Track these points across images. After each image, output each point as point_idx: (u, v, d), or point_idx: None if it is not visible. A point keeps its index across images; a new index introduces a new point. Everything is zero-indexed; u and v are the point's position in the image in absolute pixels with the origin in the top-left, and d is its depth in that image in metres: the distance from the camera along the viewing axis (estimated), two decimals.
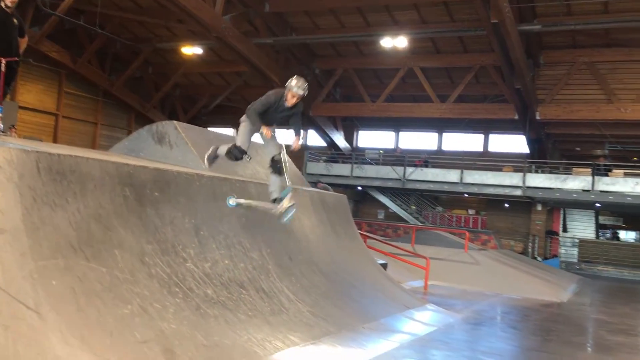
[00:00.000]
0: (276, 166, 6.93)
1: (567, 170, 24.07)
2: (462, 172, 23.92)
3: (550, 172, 23.84)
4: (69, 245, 4.98)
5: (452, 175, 24.08)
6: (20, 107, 24.14)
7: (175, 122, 8.86)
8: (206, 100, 30.91)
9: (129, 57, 27.49)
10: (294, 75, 6.84)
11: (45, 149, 5.38)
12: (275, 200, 7.04)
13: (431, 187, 24.74)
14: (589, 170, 22.69)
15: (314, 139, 30.67)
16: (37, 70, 24.93)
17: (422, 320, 8.68)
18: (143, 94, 29.38)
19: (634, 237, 28.87)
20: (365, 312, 8.03)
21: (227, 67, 28.34)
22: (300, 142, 7.01)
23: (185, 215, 6.60)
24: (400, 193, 27.82)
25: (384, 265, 11.75)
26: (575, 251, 26.53)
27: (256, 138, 7.17)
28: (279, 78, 23.29)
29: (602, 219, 28.96)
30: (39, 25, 23.41)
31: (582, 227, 28.13)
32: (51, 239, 4.85)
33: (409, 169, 24.83)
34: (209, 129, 32.38)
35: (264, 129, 6.84)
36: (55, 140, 25.50)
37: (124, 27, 26.09)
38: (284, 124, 7.02)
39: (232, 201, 6.97)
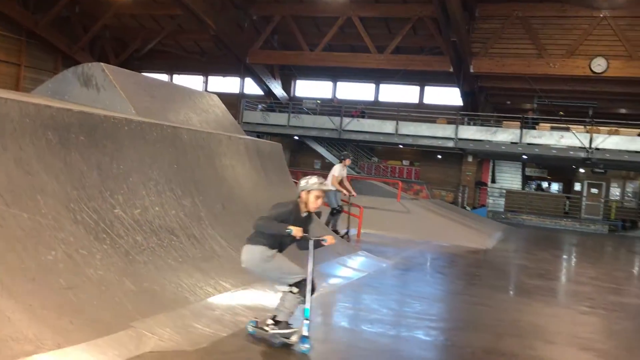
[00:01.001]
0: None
1: (497, 123, 24.85)
2: (397, 124, 24.25)
3: (482, 125, 24.53)
4: None
5: (388, 127, 24.39)
6: None
7: (103, 64, 8.47)
8: (138, 44, 29.72)
9: None
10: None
11: None
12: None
13: (367, 137, 25.01)
14: (518, 123, 23.50)
15: (250, 87, 30.21)
16: None
17: (354, 267, 8.89)
18: (70, 35, 27.91)
19: (557, 189, 30.39)
20: (297, 258, 8.13)
21: (160, 10, 27.28)
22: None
23: (113, 160, 6.39)
24: (337, 143, 27.99)
25: (318, 214, 11.86)
26: (502, 201, 27.67)
27: None
28: (214, 23, 22.62)
29: (528, 171, 30.29)
30: None
31: (510, 179, 29.30)
32: None
33: (346, 120, 24.93)
34: (143, 74, 31.37)
35: (293, 229, 4.77)
36: None
37: None
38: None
39: (251, 328, 5.05)
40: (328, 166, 28.34)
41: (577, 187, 28.97)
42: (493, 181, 28.95)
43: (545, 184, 30.91)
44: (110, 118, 6.67)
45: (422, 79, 27.97)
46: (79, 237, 5.31)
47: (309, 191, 4.97)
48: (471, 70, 23.30)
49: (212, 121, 10.11)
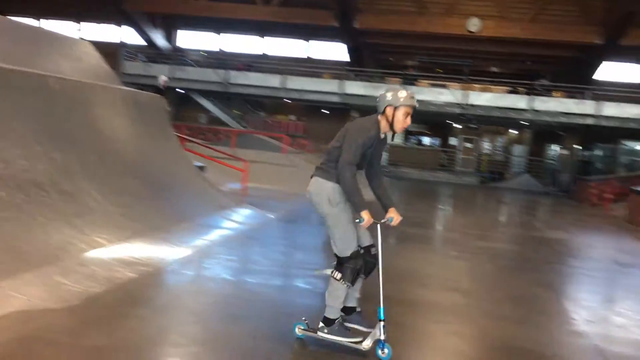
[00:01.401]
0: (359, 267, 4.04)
1: (381, 80, 25.48)
2: (284, 78, 24.14)
3: (368, 81, 25.05)
4: None
5: (274, 81, 24.23)
6: None
7: None
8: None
9: None
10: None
11: None
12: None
13: (253, 91, 24.75)
14: (400, 80, 24.25)
15: (130, 36, 28.64)
16: None
17: (238, 220, 8.87)
18: None
19: (435, 143, 31.91)
20: (179, 212, 7.98)
21: None
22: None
23: None
24: (223, 97, 27.46)
25: (202, 168, 11.67)
26: (386, 155, 28.63)
27: None
28: None
29: (410, 127, 31.41)
30: None
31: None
32: None
33: (232, 73, 24.44)
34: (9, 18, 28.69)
35: (366, 216, 3.89)
36: None
37: None
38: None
39: (299, 331, 4.13)
40: (215, 121, 27.82)
41: (454, 141, 30.60)
42: None
43: (426, 139, 32.35)
44: None
45: (308, 33, 27.90)
46: None
47: (396, 107, 3.92)
48: (356, 26, 23.56)
49: (86, 70, 9.49)
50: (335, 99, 24.23)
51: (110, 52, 26.32)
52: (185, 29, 29.54)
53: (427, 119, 29.57)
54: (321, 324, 4.01)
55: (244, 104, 28.90)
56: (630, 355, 4.58)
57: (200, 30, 29.35)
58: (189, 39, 29.78)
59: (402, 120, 3.97)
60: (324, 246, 8.12)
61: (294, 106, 28.96)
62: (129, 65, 25.03)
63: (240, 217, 9.23)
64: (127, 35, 28.95)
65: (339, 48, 26.91)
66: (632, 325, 5.43)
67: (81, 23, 30.11)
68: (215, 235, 7.53)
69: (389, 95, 3.98)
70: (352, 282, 3.99)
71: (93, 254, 5.54)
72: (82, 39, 10.81)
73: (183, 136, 14.71)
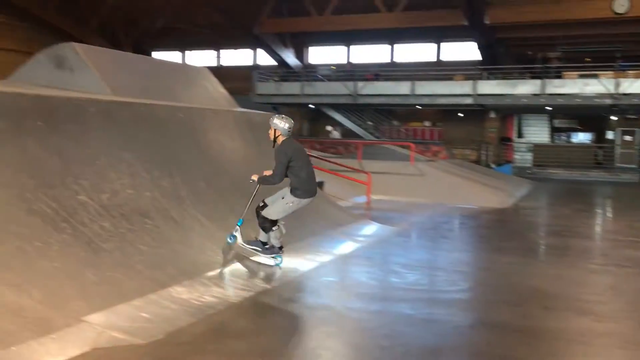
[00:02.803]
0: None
1: (521, 76, 23.83)
2: (413, 84, 23.50)
3: (504, 79, 23.59)
4: None
5: (403, 88, 23.68)
6: None
7: (74, 43, 8.16)
8: (148, 23, 29.41)
9: None
10: None
11: None
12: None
13: (383, 100, 24.38)
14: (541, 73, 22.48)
15: (264, 58, 29.70)
16: None
17: (352, 237, 8.51)
18: (79, 18, 27.76)
19: (588, 139, 29.15)
20: (291, 232, 7.78)
21: None
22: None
23: (77, 144, 6.10)
24: (354, 109, 27.40)
25: (321, 184, 11.48)
26: (529, 156, 26.77)
27: None
28: None
29: (557, 123, 29.10)
30: None
31: (537, 132, 28.28)
32: None
33: (360, 84, 24.28)
34: (155, 53, 31.14)
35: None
36: None
37: None
38: None
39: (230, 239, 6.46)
40: (348, 133, 27.86)
41: (610, 135, 27.74)
42: (520, 136, 28.00)
43: (578, 135, 29.67)
44: (73, 100, 6.36)
45: (438, 35, 26.99)
46: (35, 228, 5.04)
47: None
48: (487, 22, 22.29)
49: (201, 95, 9.74)
50: (468, 100, 23.10)
51: (246, 74, 27.59)
52: (315, 45, 30.00)
53: (577, 113, 27.13)
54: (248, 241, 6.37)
55: (376, 114, 28.62)
56: None
57: (329, 45, 29.64)
58: (319, 55, 30.21)
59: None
60: (440, 263, 7.48)
61: (428, 112, 28.10)
62: (261, 85, 25.87)
63: (356, 233, 8.85)
64: (260, 57, 30.06)
65: (470, 47, 25.67)
66: None
67: (220, 51, 31.82)
68: (323, 255, 7.22)
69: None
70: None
71: (190, 283, 5.46)
72: (202, 66, 11.11)
73: (308, 153, 14.70)
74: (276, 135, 6.52)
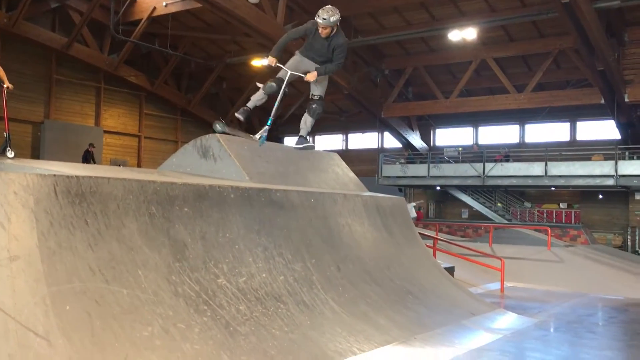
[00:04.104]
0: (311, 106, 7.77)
1: None
2: (546, 164, 22.57)
3: None
4: (87, 267, 4.93)
5: (536, 169, 22.80)
6: (105, 132, 25.39)
7: (218, 134, 8.80)
8: (281, 111, 31.17)
9: (203, 74, 28.24)
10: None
11: (63, 171, 5.40)
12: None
13: (514, 182, 23.56)
14: None
15: (389, 140, 30.16)
16: (118, 94, 26.16)
17: (487, 328, 8.06)
18: (219, 109, 30.11)
19: None
20: (421, 321, 7.55)
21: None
22: (316, 76, 7.52)
23: (218, 229, 6.44)
24: (483, 190, 26.70)
25: (450, 269, 11.13)
26: None
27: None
28: (348, 82, 23.10)
29: None
30: (116, 52, 24.51)
31: None
32: (68, 263, 4.81)
33: (488, 165, 23.74)
34: (286, 139, 32.78)
35: (309, 75, 7.42)
36: (139, 161, 26.61)
37: (195, 45, 26.84)
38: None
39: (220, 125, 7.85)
40: (476, 215, 27.06)
41: None
42: None
43: None
44: (216, 187, 6.78)
45: (571, 114, 25.97)
46: (179, 310, 5.30)
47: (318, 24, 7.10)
48: (626, 100, 21.14)
49: (331, 180, 10.01)
50: (609, 181, 21.67)
51: (372, 157, 28.11)
52: (441, 127, 30.03)
53: None
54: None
55: (506, 196, 27.64)
56: None
57: (455, 127, 29.53)
58: (445, 136, 30.13)
59: (321, 31, 7.03)
60: None
61: (564, 193, 26.65)
62: (387, 168, 26.12)
63: (491, 324, 8.38)
64: (387, 140, 30.56)
65: (608, 126, 24.34)
66: None
67: (347, 134, 32.80)
68: (455, 348, 6.87)
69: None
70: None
71: None
72: (332, 151, 11.49)
73: (434, 236, 14.44)
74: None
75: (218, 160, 8.54)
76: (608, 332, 8.86)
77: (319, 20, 6.82)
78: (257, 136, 7.61)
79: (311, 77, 7.46)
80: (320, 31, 6.97)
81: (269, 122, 7.22)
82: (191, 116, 29.22)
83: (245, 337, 5.53)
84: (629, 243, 23.52)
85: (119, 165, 21.06)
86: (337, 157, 10.86)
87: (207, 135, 8.94)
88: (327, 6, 6.89)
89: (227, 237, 6.49)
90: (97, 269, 4.98)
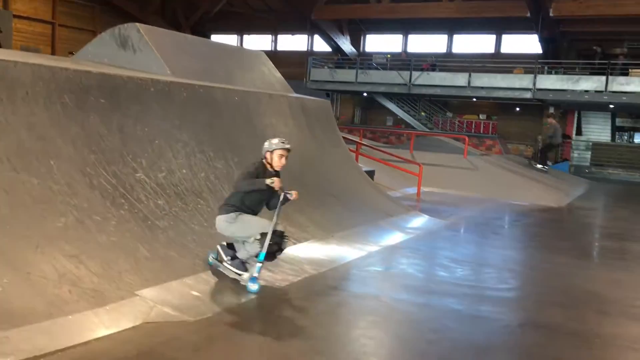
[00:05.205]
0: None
1: (583, 71, 23.00)
2: (470, 76, 23.01)
3: (565, 73, 22.83)
4: None
5: (460, 79, 23.19)
6: (15, 16, 23.47)
7: (138, 24, 8.33)
8: (207, 6, 29.72)
9: None
10: None
11: None
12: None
13: (438, 91, 23.95)
14: (606, 70, 21.64)
15: (319, 44, 29.65)
16: None
17: (402, 228, 8.45)
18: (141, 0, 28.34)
19: None
20: (340, 221, 7.80)
21: None
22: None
23: (137, 123, 6.25)
24: (408, 99, 27.06)
25: (371, 173, 11.43)
26: (588, 155, 25.90)
27: None
28: None
29: (620, 122, 27.99)
30: None
31: (598, 130, 27.26)
32: None
33: (415, 74, 23.94)
34: (213, 36, 31.52)
35: (275, 181, 5.00)
36: (53, 50, 25.00)
37: None
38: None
39: (211, 259, 5.37)
40: (401, 123, 27.56)
41: None
42: (579, 133, 27.07)
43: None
44: (135, 79, 6.50)
45: (498, 27, 26.26)
46: (94, 202, 5.21)
47: (272, 151, 5.23)
48: (551, 14, 21.55)
49: (257, 79, 9.81)
50: (527, 95, 22.42)
51: (301, 60, 27.61)
52: (372, 33, 29.72)
53: None
54: (229, 258, 5.17)
55: (430, 105, 28.20)
56: None
57: (386, 33, 29.31)
58: (375, 43, 29.92)
59: (277, 160, 5.24)
60: (490, 259, 7.34)
61: (484, 105, 27.46)
62: (316, 72, 25.84)
63: (405, 224, 8.79)
64: (316, 43, 30.02)
65: (531, 40, 24.89)
66: None
67: (276, 35, 31.93)
68: (371, 245, 7.19)
69: (266, 144, 5.27)
70: (268, 257, 5.03)
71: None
72: (260, 50, 11.17)
73: (358, 141, 14.67)
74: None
75: (138, 51, 8.13)
76: (511, 234, 9.52)
77: (282, 145, 5.28)
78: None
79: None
80: (275, 163, 5.30)
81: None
82: (110, 5, 27.37)
83: (163, 230, 5.54)
84: (539, 154, 24.81)
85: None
86: (263, 56, 10.59)
87: (125, 25, 8.43)
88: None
89: (146, 132, 6.31)
90: (5, 157, 4.76)
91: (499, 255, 7.60)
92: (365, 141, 16.70)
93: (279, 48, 31.53)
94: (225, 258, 5.23)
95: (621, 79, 21.11)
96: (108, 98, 6.04)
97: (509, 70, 23.50)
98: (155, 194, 5.89)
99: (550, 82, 22.10)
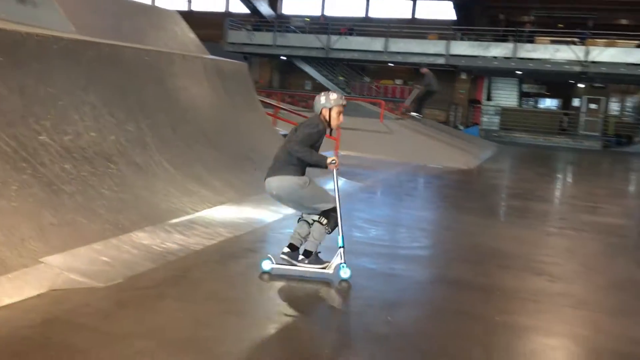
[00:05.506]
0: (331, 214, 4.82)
1: (493, 38, 23.82)
2: (387, 41, 23.30)
3: (476, 40, 23.57)
4: None
5: (377, 44, 23.45)
6: None
7: None
8: None
9: None
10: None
11: None
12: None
13: (355, 56, 24.13)
14: (513, 37, 22.54)
15: (236, 5, 28.97)
16: None
17: None
18: None
19: (555, 105, 29.53)
20: (256, 184, 7.74)
21: None
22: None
23: (39, 83, 5.89)
24: (327, 63, 27.11)
25: None
26: (497, 119, 27.09)
27: None
28: None
29: (526, 88, 29.39)
30: None
31: (506, 96, 28.52)
32: None
33: (333, 38, 23.95)
34: None
35: (332, 159, 4.69)
36: None
37: None
38: None
39: (266, 265, 4.76)
40: (320, 87, 27.58)
41: (576, 102, 28.17)
42: (489, 99, 28.21)
43: (545, 101, 29.98)
44: (34, 35, 6.10)
45: None
46: None
47: (331, 108, 4.77)
48: None
49: (169, 39, 9.48)
50: (440, 60, 23.04)
51: (217, 22, 26.90)
52: None
53: (546, 79, 27.41)
54: (301, 257, 4.76)
55: (348, 70, 28.38)
56: None
57: None
58: (293, 5, 29.59)
59: (336, 117, 4.77)
60: (403, 220, 7.59)
61: (400, 70, 27.98)
62: (233, 34, 25.31)
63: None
64: (233, 4, 29.32)
65: (446, 7, 25.47)
66: None
67: None
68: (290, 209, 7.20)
69: (323, 99, 4.80)
70: (332, 229, 4.79)
71: (152, 229, 5.42)
72: (173, 10, 10.76)
73: (276, 104, 14.59)
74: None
75: (38, 6, 7.61)
76: (424, 195, 9.86)
77: (341, 101, 4.81)
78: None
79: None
80: (334, 121, 4.82)
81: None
82: None
83: (70, 195, 5.31)
84: (452, 119, 25.69)
85: None
86: (177, 16, 10.23)
87: None
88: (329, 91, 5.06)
89: (50, 92, 5.97)
90: None
91: (412, 215, 7.86)
92: (284, 105, 16.61)
93: (194, 8, 30.57)
94: (297, 260, 4.74)
95: (528, 46, 22.07)
96: (6, 56, 5.64)
97: (424, 36, 23.98)
98: (61, 158, 5.61)
99: (462, 48, 22.79)
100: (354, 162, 12.44)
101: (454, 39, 23.23)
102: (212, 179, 7.18)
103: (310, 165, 4.76)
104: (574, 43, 21.61)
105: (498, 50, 22.25)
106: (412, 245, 6.17)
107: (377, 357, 3.35)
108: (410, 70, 27.42)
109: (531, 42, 22.44)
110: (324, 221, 4.77)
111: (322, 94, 4.91)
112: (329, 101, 4.77)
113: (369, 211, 7.84)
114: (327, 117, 4.77)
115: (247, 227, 6.05)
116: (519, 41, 22.14)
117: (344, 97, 4.93)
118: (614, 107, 28.05)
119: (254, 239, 5.74)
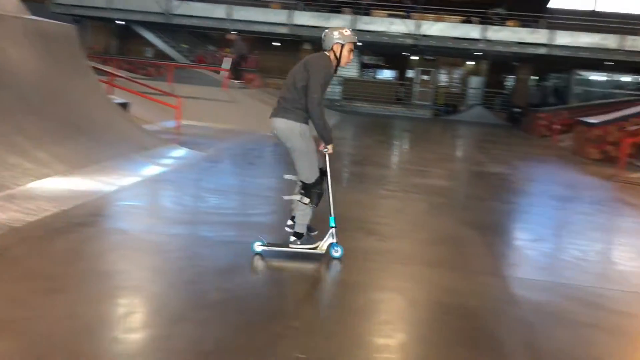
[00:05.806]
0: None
1: (333, 10, 24.41)
2: (229, 8, 22.90)
3: (318, 11, 24.01)
4: None
5: (219, 11, 22.98)
6: None
7: None
8: None
9: None
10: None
11: None
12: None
13: (197, 22, 23.47)
14: (352, 10, 23.29)
15: None
16: None
17: (157, 161, 8.24)
18: None
19: (392, 76, 31.21)
20: (88, 155, 7.31)
21: None
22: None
23: None
24: (168, 30, 26.06)
25: (125, 105, 10.88)
26: (339, 89, 27.99)
27: None
28: None
29: (366, 59, 30.66)
30: None
31: (348, 67, 29.48)
32: None
33: (175, 3, 23.05)
34: None
35: (332, 148, 4.67)
36: None
37: None
38: None
39: (257, 247, 4.60)
40: (162, 55, 26.46)
41: (410, 74, 29.97)
42: None
43: (383, 72, 31.55)
44: None
45: None
46: None
47: (343, 44, 4.43)
48: None
49: None
50: (284, 30, 23.20)
51: None
52: None
53: (384, 52, 28.80)
54: (293, 238, 4.68)
55: (191, 38, 27.54)
56: (546, 301, 4.25)
57: None
58: None
59: (347, 55, 4.46)
60: (244, 188, 7.61)
61: (246, 39, 27.69)
62: None
63: (162, 157, 8.60)
64: None
65: None
66: (558, 268, 5.15)
67: None
68: (124, 179, 6.90)
69: (336, 34, 4.44)
70: (317, 204, 4.62)
71: None
72: None
73: (112, 71, 13.78)
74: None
75: None
76: (266, 163, 9.94)
77: (355, 38, 4.52)
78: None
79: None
80: (344, 59, 4.51)
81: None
82: None
83: None
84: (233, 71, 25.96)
85: None
86: None
87: None
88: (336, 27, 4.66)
89: None
90: None
91: (253, 184, 7.91)
92: (121, 73, 15.74)
93: None
94: (290, 242, 4.68)
95: (366, 18, 22.96)
96: None
97: (266, 5, 23.93)
98: None
99: (305, 18, 23.10)
100: (197, 131, 12.20)
101: (296, 8, 23.46)
102: (36, 150, 6.62)
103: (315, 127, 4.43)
104: (408, 17, 22.88)
105: (338, 21, 22.88)
106: (252, 213, 6.21)
107: (211, 323, 3.35)
108: (255, 39, 27.28)
109: (367, 14, 23.36)
110: (306, 200, 4.60)
111: (334, 27, 4.55)
112: (342, 37, 4.41)
113: (211, 180, 7.75)
114: (338, 55, 4.41)
115: (75, 201, 5.67)
116: (357, 13, 22.93)
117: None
118: (443, 78, 30.29)
119: (85, 212, 5.40)
